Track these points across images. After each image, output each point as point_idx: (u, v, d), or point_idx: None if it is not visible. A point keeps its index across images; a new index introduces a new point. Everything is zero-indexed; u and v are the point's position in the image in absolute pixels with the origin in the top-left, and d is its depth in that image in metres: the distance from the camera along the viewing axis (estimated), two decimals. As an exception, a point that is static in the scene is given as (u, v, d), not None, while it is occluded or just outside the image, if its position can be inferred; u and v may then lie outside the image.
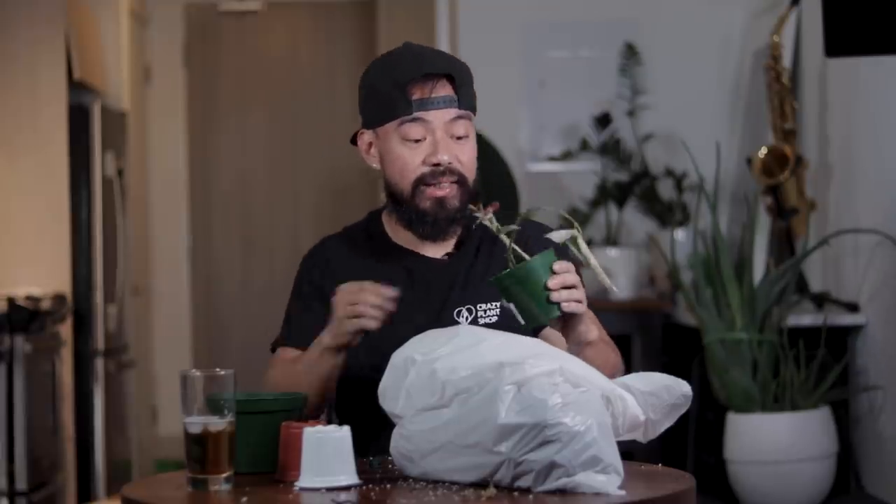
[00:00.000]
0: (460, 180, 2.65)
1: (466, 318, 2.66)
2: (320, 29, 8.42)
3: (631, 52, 6.33)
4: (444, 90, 2.63)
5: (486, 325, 2.64)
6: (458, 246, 2.73)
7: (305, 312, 2.71)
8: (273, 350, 2.75)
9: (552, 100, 6.40)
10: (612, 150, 6.29)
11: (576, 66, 6.45)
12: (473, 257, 2.72)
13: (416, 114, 2.63)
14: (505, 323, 2.64)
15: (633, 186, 6.25)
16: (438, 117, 2.63)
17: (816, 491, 4.85)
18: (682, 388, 2.29)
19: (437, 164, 2.63)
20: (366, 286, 2.46)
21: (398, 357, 2.29)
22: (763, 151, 5.46)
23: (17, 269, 5.95)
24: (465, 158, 2.66)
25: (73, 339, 6.15)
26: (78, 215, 6.24)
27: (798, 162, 5.41)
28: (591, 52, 6.45)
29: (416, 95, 2.62)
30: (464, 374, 2.18)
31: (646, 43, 6.37)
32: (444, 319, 2.63)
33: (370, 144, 2.72)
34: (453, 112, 2.64)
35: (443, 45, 6.67)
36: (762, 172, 5.43)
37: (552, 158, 6.36)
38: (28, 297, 5.58)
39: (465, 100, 2.65)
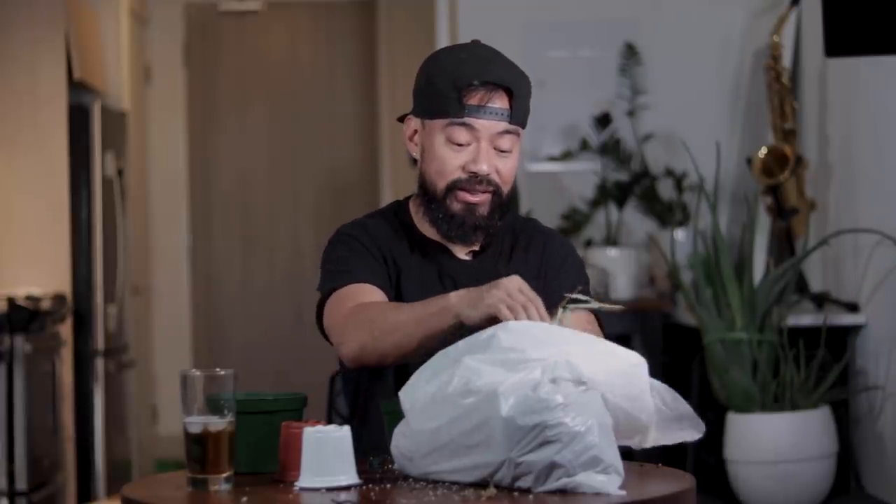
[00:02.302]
0: (495, 191, 2.66)
1: None
2: (320, 29, 8.43)
3: (631, 52, 6.33)
4: (499, 102, 2.63)
5: None
6: (483, 246, 2.73)
7: (364, 260, 2.65)
8: (326, 297, 2.64)
9: (552, 100, 6.40)
10: (612, 150, 6.29)
11: (576, 66, 6.44)
12: (498, 255, 2.73)
13: (466, 119, 2.62)
14: None
15: (633, 186, 6.25)
16: (487, 127, 2.63)
17: (816, 491, 4.85)
18: (699, 427, 2.29)
19: (475, 174, 2.64)
20: (533, 298, 2.33)
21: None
22: (763, 151, 5.46)
23: (17, 269, 5.96)
24: (504, 171, 2.66)
25: (73, 339, 6.16)
26: (78, 215, 6.25)
27: (798, 162, 5.41)
28: (590, 52, 6.45)
29: (470, 101, 2.62)
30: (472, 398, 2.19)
31: (646, 43, 6.37)
32: None
33: (415, 132, 2.71)
34: (503, 125, 2.64)
35: (442, 45, 6.65)
36: (762, 172, 5.43)
37: (552, 158, 6.36)
38: (28, 297, 5.58)
39: (518, 115, 2.65)
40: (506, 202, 2.69)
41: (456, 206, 2.65)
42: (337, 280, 2.64)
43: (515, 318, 2.28)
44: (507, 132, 2.64)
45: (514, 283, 2.35)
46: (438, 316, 2.40)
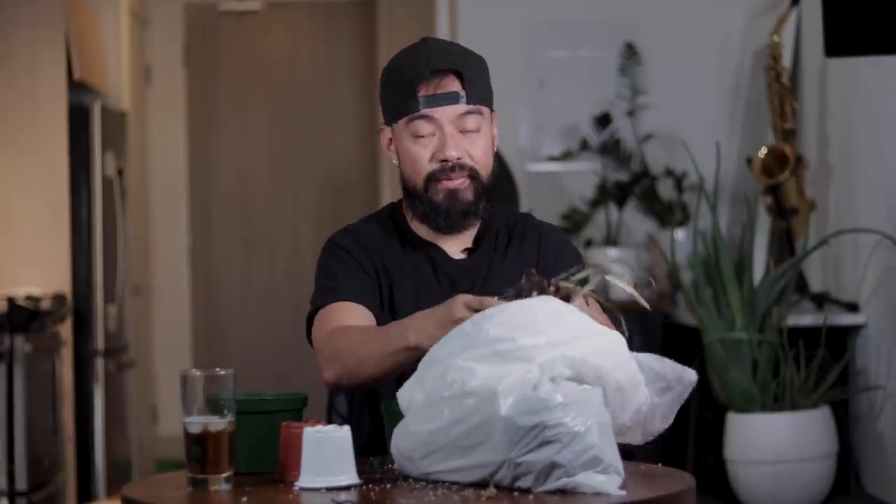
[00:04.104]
0: (472, 174, 2.67)
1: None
2: (320, 29, 8.43)
3: (631, 52, 6.33)
4: (451, 86, 2.65)
5: None
6: (476, 241, 2.74)
7: (354, 278, 2.68)
8: (314, 313, 2.67)
9: (552, 100, 6.40)
10: (612, 150, 6.29)
11: (576, 66, 6.44)
12: (493, 252, 2.73)
13: (423, 111, 2.65)
14: None
15: (633, 186, 6.25)
16: (446, 113, 2.65)
17: (816, 491, 4.85)
18: (689, 376, 2.28)
19: (446, 160, 2.65)
20: (487, 303, 2.30)
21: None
22: (763, 151, 5.47)
23: (17, 269, 5.96)
24: (476, 152, 2.67)
25: (73, 339, 6.16)
26: (78, 215, 6.25)
27: (798, 162, 5.41)
28: (590, 52, 6.45)
29: (422, 92, 2.64)
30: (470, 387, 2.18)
31: (646, 43, 6.37)
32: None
33: (390, 140, 2.74)
34: (461, 108, 2.65)
35: (443, 45, 6.66)
36: (762, 172, 5.43)
37: (552, 158, 6.36)
38: (28, 297, 5.58)
39: (475, 94, 2.66)
40: (489, 185, 2.69)
41: (438, 197, 2.66)
42: (324, 297, 2.67)
43: None
44: (469, 113, 2.66)
45: (459, 303, 2.34)
46: (404, 354, 2.42)
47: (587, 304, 2.32)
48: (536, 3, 6.49)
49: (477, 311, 2.30)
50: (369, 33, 8.31)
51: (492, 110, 2.73)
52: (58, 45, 6.05)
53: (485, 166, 2.68)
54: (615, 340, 2.22)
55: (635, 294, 2.31)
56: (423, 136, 2.66)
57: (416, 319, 2.43)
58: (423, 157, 2.66)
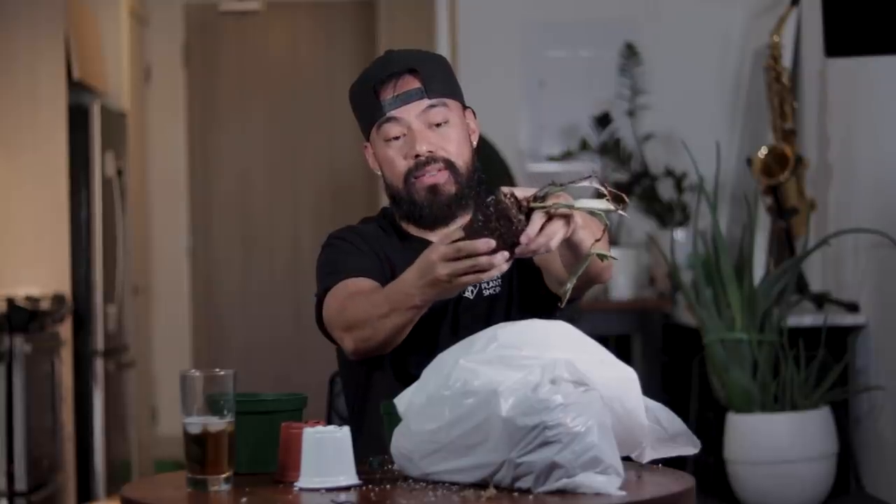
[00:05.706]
0: (448, 166, 2.69)
1: (472, 292, 2.70)
2: (320, 29, 8.43)
3: (631, 52, 6.34)
4: (409, 84, 2.69)
5: (490, 297, 2.71)
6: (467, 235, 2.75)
7: (357, 259, 2.70)
8: (322, 296, 2.68)
9: (552, 100, 6.40)
10: (611, 150, 6.29)
11: (575, 66, 6.44)
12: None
13: (388, 113, 2.69)
14: (506, 295, 2.71)
15: (633, 186, 6.25)
16: (409, 111, 2.69)
17: (816, 491, 4.85)
18: (695, 444, 2.29)
19: (418, 156, 2.68)
20: (464, 249, 2.27)
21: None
22: (763, 151, 5.47)
23: (17, 269, 5.95)
24: (448, 145, 2.70)
25: (73, 339, 6.15)
26: (78, 215, 6.24)
27: (798, 162, 5.41)
28: (590, 51, 6.45)
29: (384, 97, 2.69)
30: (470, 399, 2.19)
31: (646, 43, 6.37)
32: (455, 297, 2.67)
33: (373, 155, 2.77)
34: (424, 103, 2.69)
35: (442, 45, 6.67)
36: (762, 172, 5.43)
37: (552, 158, 6.36)
38: (28, 297, 5.58)
39: (436, 88, 2.70)
40: (470, 174, 2.71)
41: (419, 194, 2.69)
42: (330, 280, 2.68)
43: (479, 278, 2.28)
44: (432, 107, 2.69)
45: (438, 264, 2.31)
46: (413, 312, 2.45)
47: (565, 219, 2.28)
48: (536, 3, 6.50)
49: (455, 259, 2.28)
50: (369, 33, 8.31)
51: (465, 107, 2.77)
52: (58, 46, 6.05)
53: (460, 157, 2.71)
54: (628, 375, 2.22)
55: (609, 206, 2.30)
56: (394, 139, 2.69)
57: (411, 283, 2.41)
58: (397, 158, 2.70)
